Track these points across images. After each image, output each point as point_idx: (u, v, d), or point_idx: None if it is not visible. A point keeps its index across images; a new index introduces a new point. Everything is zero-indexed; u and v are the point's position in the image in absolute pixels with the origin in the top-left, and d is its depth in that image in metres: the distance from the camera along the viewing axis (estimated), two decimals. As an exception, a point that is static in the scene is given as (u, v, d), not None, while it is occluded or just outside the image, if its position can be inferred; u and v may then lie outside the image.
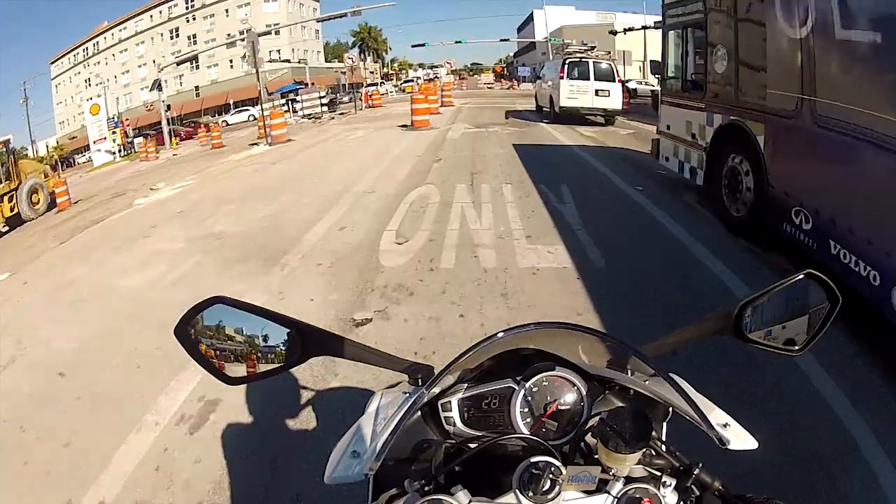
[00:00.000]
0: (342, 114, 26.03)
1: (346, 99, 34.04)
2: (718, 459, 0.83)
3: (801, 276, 0.94)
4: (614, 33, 43.70)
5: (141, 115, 46.49)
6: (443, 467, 0.78)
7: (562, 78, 16.63)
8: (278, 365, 0.89)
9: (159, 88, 29.00)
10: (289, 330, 0.88)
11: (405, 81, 55.89)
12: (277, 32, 54.55)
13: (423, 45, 54.70)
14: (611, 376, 0.96)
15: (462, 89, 48.56)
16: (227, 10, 54.54)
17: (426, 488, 0.74)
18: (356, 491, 0.81)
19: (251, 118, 24.65)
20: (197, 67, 51.92)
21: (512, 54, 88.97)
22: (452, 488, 0.74)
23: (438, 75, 63.50)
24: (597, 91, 16.61)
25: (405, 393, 0.94)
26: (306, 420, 2.80)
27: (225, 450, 2.69)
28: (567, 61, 16.85)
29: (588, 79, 16.65)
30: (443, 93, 24.75)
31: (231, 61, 51.58)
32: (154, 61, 49.80)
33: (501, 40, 54.83)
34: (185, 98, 51.67)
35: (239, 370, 0.88)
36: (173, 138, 27.59)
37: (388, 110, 23.47)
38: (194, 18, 55.39)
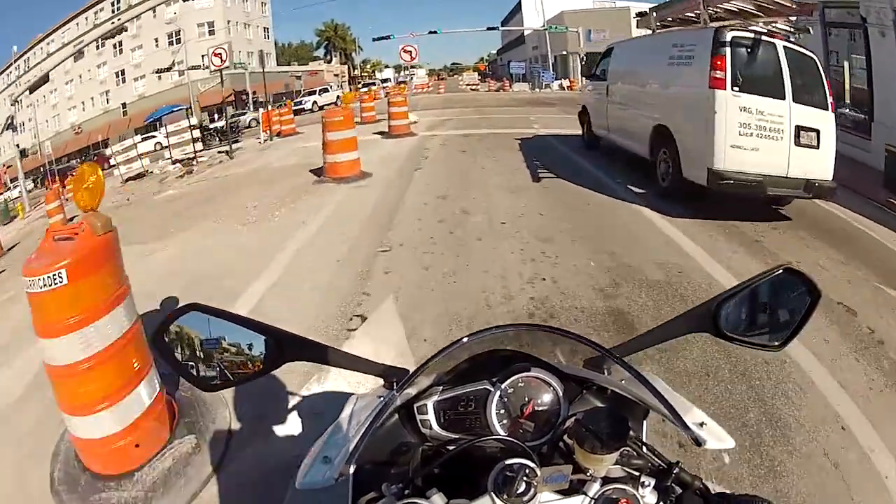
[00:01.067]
0: (229, 154, 14.50)
1: (251, 121, 23.17)
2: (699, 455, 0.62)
3: (779, 272, 0.91)
4: (643, 14, 33.28)
5: (70, 140, 40.99)
6: (420, 470, 0.78)
7: (718, 86, 5.70)
8: (254, 371, 0.88)
9: (12, 128, 18.88)
10: (264, 336, 0.87)
11: (365, 85, 44.91)
12: (212, 32, 46.15)
13: (389, 37, 43.95)
14: (587, 376, 0.95)
15: (439, 93, 38.30)
16: (154, 11, 45.29)
17: (404, 492, 0.75)
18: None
19: (158, 146, 17.22)
20: (123, 81, 45.30)
21: (495, 51, 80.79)
22: (428, 492, 0.74)
23: (414, 76, 53.98)
24: (798, 132, 5.80)
25: (379, 397, 0.91)
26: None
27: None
28: (730, 40, 5.80)
29: (782, 96, 5.80)
30: (393, 107, 13.43)
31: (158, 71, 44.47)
32: (80, 76, 45.06)
33: (489, 28, 44.11)
34: (113, 116, 44.74)
35: (216, 376, 0.87)
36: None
37: (289, 149, 12.56)
38: (120, 20, 46.79)
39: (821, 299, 0.90)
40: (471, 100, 28.41)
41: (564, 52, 44.83)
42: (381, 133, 12.62)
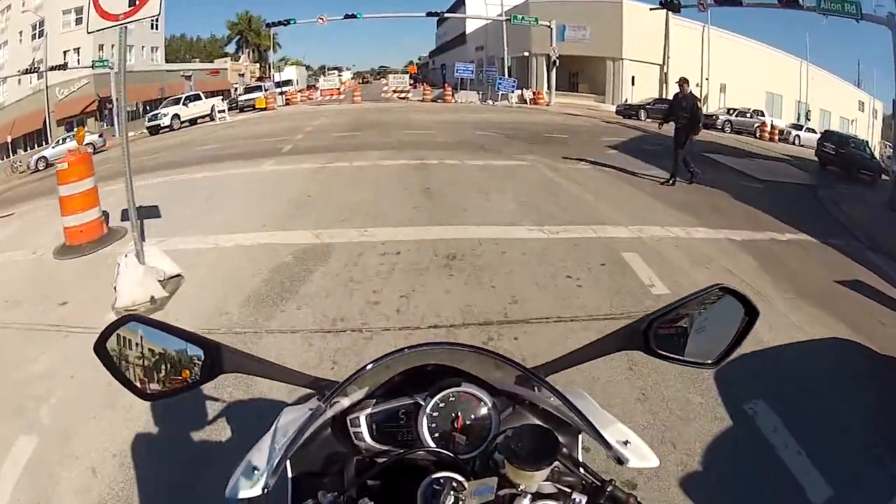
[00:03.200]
0: None
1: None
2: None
3: (714, 290, 0.92)
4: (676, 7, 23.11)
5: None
6: (353, 481, 0.79)
7: None
8: (191, 382, 0.90)
9: None
10: (200, 348, 0.89)
11: (248, 90, 31.87)
12: (80, 20, 35.48)
13: (289, 22, 31.19)
14: (518, 392, 0.95)
15: (354, 102, 27.43)
16: (23, -1, 35.84)
17: (339, 500, 0.77)
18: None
19: None
20: (-15, 86, 35.93)
21: (428, 53, 69.95)
22: (360, 501, 0.75)
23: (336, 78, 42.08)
24: None
25: (310, 409, 0.89)
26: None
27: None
28: None
29: None
30: None
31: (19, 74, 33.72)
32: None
33: (429, 14, 31.60)
34: (-22, 131, 33.96)
35: (154, 386, 0.89)
36: None
37: None
38: (-7, 12, 37.67)
39: (759, 317, 0.89)
40: (397, 122, 16.29)
41: (526, 54, 33.64)
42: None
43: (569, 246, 4.75)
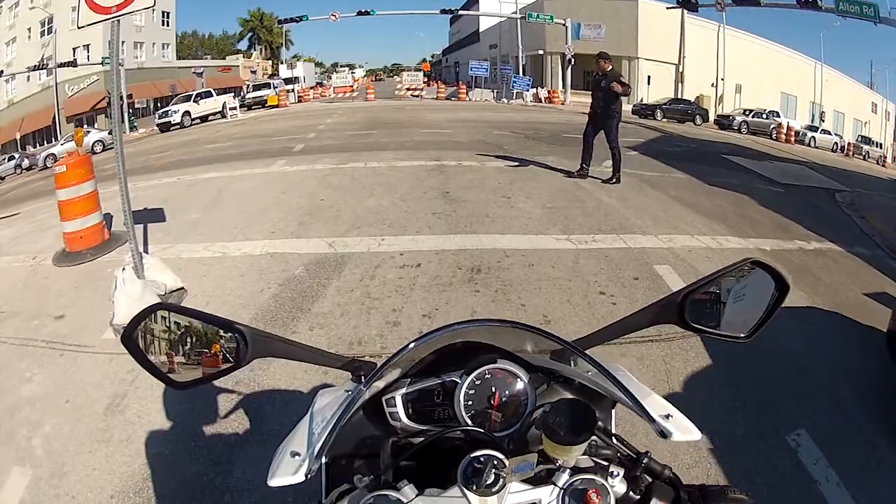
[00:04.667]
0: None
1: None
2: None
3: (746, 264, 0.93)
4: (693, 6, 22.60)
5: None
6: (390, 462, 0.78)
7: None
8: (222, 368, 0.89)
9: None
10: (231, 333, 0.88)
11: (256, 87, 30.94)
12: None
13: (301, 19, 30.86)
14: (554, 367, 0.95)
15: (367, 100, 27.28)
16: (31, -7, 35.18)
17: (378, 483, 0.75)
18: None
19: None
20: (-5, 83, 36.04)
21: (441, 51, 69.97)
22: (399, 483, 0.74)
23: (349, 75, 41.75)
24: None
25: (347, 391, 0.91)
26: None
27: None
28: None
29: None
30: None
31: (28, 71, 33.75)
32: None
33: (443, 12, 30.90)
34: (-16, 126, 34.16)
35: (185, 374, 0.88)
36: None
37: None
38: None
39: (789, 291, 0.89)
40: (412, 120, 16.04)
41: (540, 52, 33.27)
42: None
43: (599, 258, 4.41)
